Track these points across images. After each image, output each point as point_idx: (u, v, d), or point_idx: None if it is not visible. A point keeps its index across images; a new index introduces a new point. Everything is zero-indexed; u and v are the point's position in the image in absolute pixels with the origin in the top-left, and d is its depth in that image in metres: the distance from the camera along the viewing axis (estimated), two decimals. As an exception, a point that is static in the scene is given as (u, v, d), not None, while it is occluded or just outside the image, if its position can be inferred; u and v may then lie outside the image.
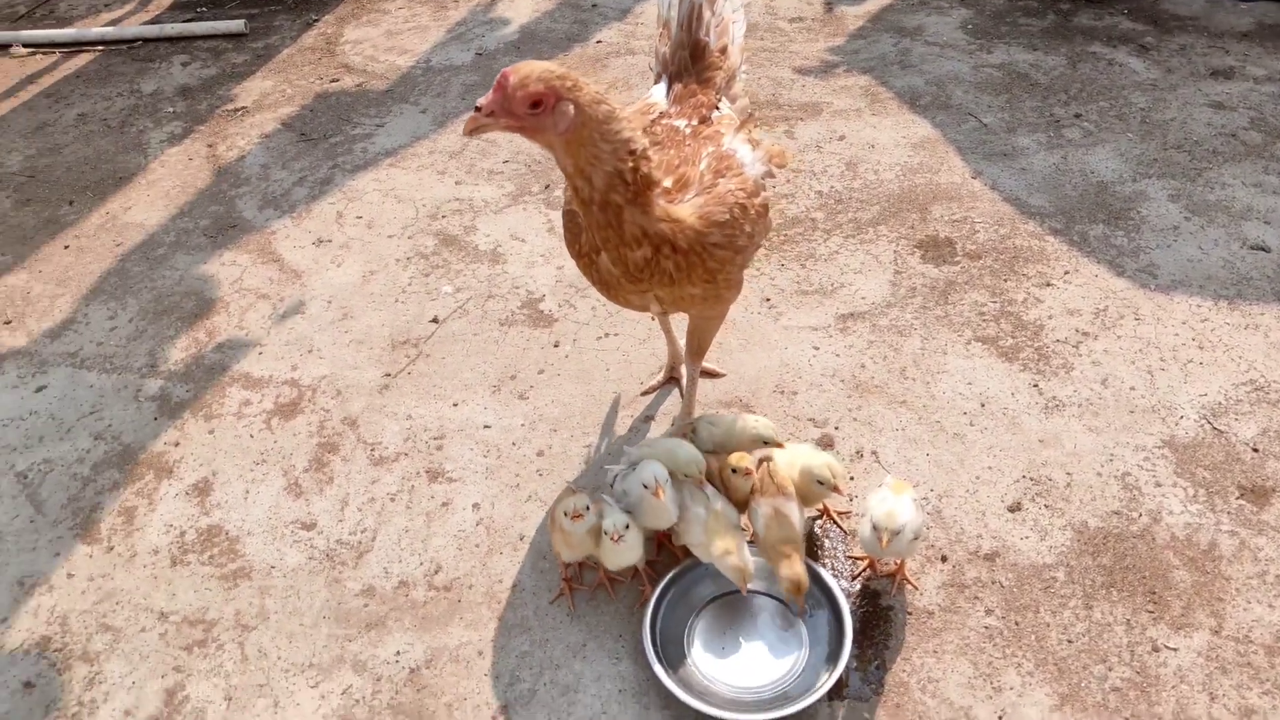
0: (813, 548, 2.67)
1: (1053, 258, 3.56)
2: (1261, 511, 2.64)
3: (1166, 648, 2.38)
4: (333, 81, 5.17)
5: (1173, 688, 2.30)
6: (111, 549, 2.83)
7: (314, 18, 5.79)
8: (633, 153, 2.08)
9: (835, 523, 2.73)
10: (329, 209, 4.25)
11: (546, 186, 4.23)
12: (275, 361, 3.43)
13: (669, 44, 2.78)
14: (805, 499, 2.56)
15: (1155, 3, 4.90)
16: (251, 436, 3.14)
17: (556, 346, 3.42)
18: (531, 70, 1.99)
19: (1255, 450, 2.80)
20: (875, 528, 2.39)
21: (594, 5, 5.64)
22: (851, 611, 2.43)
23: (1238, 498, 2.69)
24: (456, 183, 4.34)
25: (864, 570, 2.60)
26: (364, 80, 5.16)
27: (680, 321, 3.20)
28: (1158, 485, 2.76)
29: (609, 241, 2.20)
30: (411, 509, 2.88)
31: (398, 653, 2.51)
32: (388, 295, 3.74)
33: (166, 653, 2.55)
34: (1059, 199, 3.82)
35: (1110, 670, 2.35)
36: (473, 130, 2.01)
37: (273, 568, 2.73)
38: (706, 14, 2.74)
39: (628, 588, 2.59)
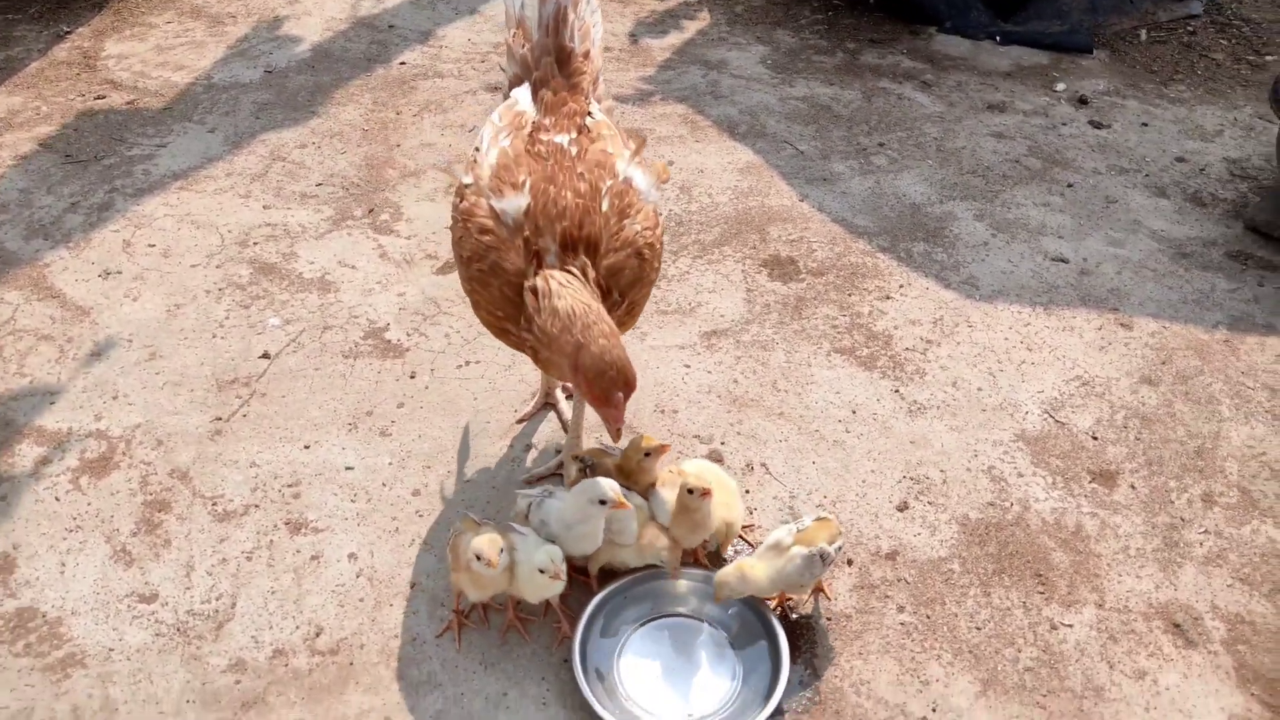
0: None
1: (886, 273, 3.75)
2: (1112, 493, 2.89)
3: (1063, 624, 2.52)
4: (98, 99, 4.55)
5: (1076, 661, 2.43)
6: (-115, 653, 2.24)
7: (65, 29, 5.08)
8: None
9: (743, 539, 2.67)
10: (113, 237, 3.70)
11: (371, 210, 3.93)
12: (74, 411, 2.90)
13: (529, 47, 2.65)
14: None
15: (928, 44, 5.38)
16: (57, 499, 2.62)
17: (413, 378, 3.15)
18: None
19: (1094, 438, 3.06)
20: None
21: (391, 26, 5.37)
22: (784, 630, 2.38)
23: (1090, 482, 2.92)
24: (265, 207, 3.93)
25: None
26: (136, 98, 4.58)
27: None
28: (1020, 475, 2.94)
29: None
30: (275, 566, 2.50)
31: (284, 733, 2.15)
32: (202, 330, 3.30)
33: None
34: (880, 219, 4.05)
35: (1020, 652, 2.45)
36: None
37: (111, 651, 2.27)
38: (571, 17, 2.63)
39: (539, 625, 2.39)
